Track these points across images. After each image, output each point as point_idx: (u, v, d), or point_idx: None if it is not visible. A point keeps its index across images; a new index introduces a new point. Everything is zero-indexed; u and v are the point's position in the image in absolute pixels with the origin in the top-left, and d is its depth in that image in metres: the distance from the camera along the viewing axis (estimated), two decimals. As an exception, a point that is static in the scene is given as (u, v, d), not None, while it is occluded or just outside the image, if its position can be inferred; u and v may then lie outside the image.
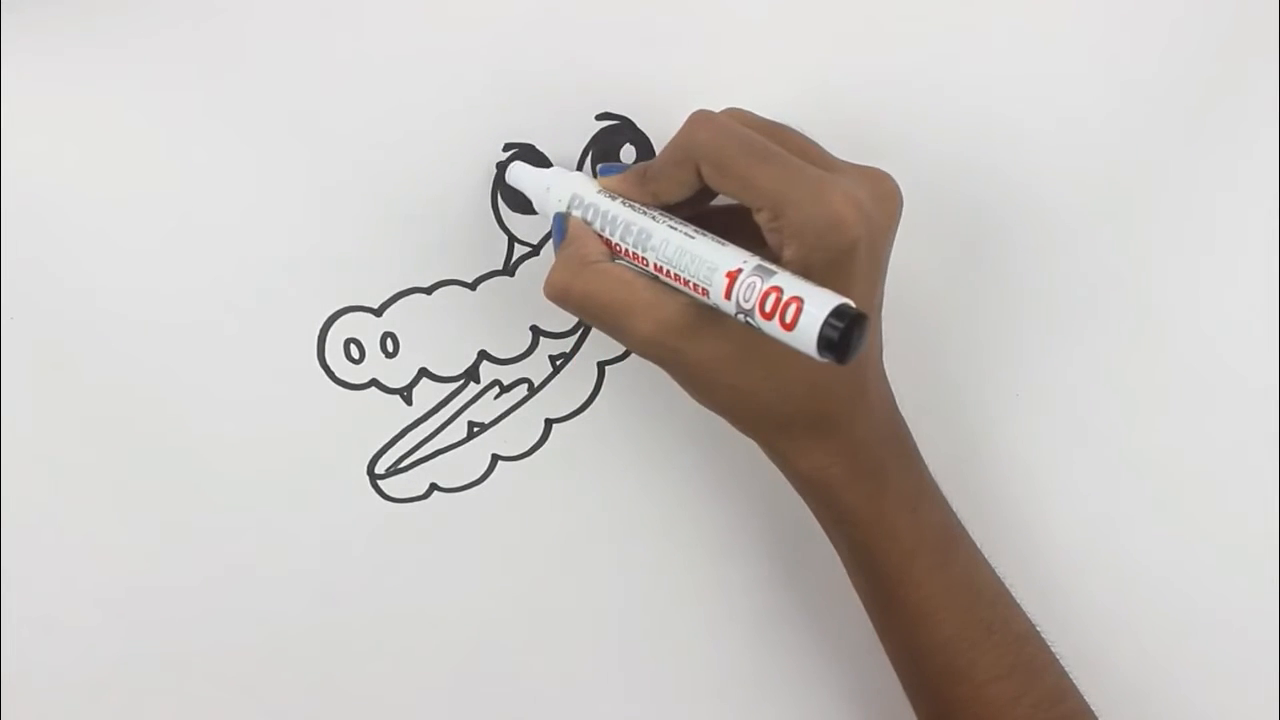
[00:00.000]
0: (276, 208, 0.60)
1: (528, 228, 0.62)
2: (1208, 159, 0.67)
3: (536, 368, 0.65)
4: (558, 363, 0.65)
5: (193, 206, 0.59)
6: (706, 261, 0.51)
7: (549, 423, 0.66)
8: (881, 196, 0.54)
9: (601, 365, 0.65)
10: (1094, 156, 0.66)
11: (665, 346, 0.54)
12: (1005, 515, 0.70)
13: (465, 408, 0.64)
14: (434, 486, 0.65)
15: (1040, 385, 0.69)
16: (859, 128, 0.62)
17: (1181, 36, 0.65)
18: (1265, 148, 0.67)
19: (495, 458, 0.66)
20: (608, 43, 0.61)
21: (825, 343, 0.47)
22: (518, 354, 0.64)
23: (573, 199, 0.57)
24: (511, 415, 0.65)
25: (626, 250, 0.55)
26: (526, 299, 0.61)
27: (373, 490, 0.65)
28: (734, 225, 0.54)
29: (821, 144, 0.57)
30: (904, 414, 0.61)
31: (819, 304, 0.47)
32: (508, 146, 0.61)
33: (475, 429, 0.65)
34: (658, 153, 0.59)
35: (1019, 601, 0.63)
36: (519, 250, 0.63)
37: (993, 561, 0.63)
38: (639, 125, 0.62)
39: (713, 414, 0.58)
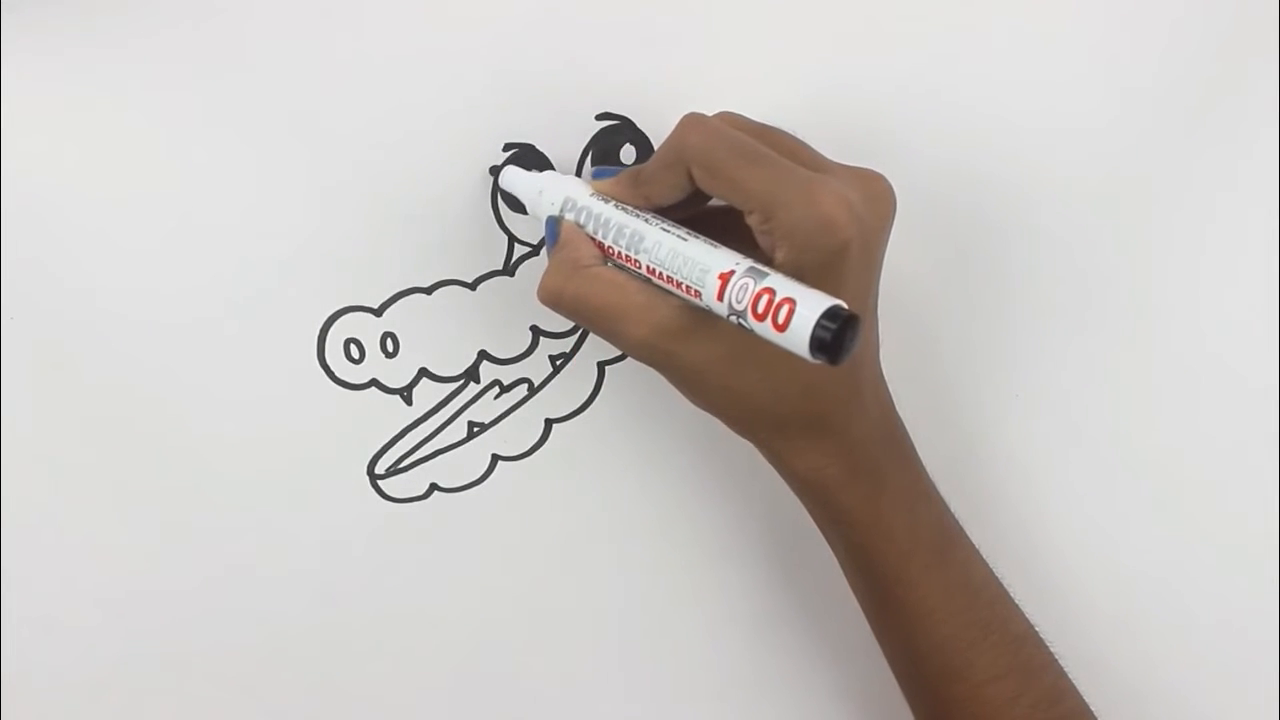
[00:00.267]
0: (276, 208, 0.60)
1: (528, 228, 0.62)
2: (1208, 159, 0.66)
3: (536, 368, 0.65)
4: (558, 363, 0.65)
5: (193, 206, 0.59)
6: (699, 264, 0.51)
7: (549, 423, 0.66)
8: (873, 197, 0.54)
9: (601, 365, 0.65)
10: (1092, 157, 0.66)
11: (659, 349, 0.54)
12: (1003, 516, 0.70)
13: (465, 408, 0.65)
14: (434, 486, 0.65)
15: (1039, 386, 0.69)
16: (858, 129, 0.62)
17: (1181, 37, 0.65)
18: (1265, 148, 0.67)
19: (495, 458, 0.66)
20: (608, 43, 0.61)
21: (817, 344, 0.47)
22: (518, 354, 0.64)
23: (565, 202, 0.57)
24: (511, 415, 0.65)
25: (619, 253, 0.55)
26: (526, 299, 0.61)
27: (373, 490, 0.65)
28: (728, 228, 0.54)
29: (820, 146, 0.57)
30: (902, 415, 0.61)
31: (811, 305, 0.47)
32: (508, 147, 0.61)
33: (475, 429, 0.65)
34: (657, 154, 0.59)
35: (1017, 602, 0.63)
36: (519, 250, 0.63)
37: (991, 562, 0.62)
38: (639, 125, 0.62)
39: (711, 415, 0.58)
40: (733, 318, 0.50)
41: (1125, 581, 0.72)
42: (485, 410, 0.65)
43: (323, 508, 0.64)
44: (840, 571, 0.63)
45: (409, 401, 0.64)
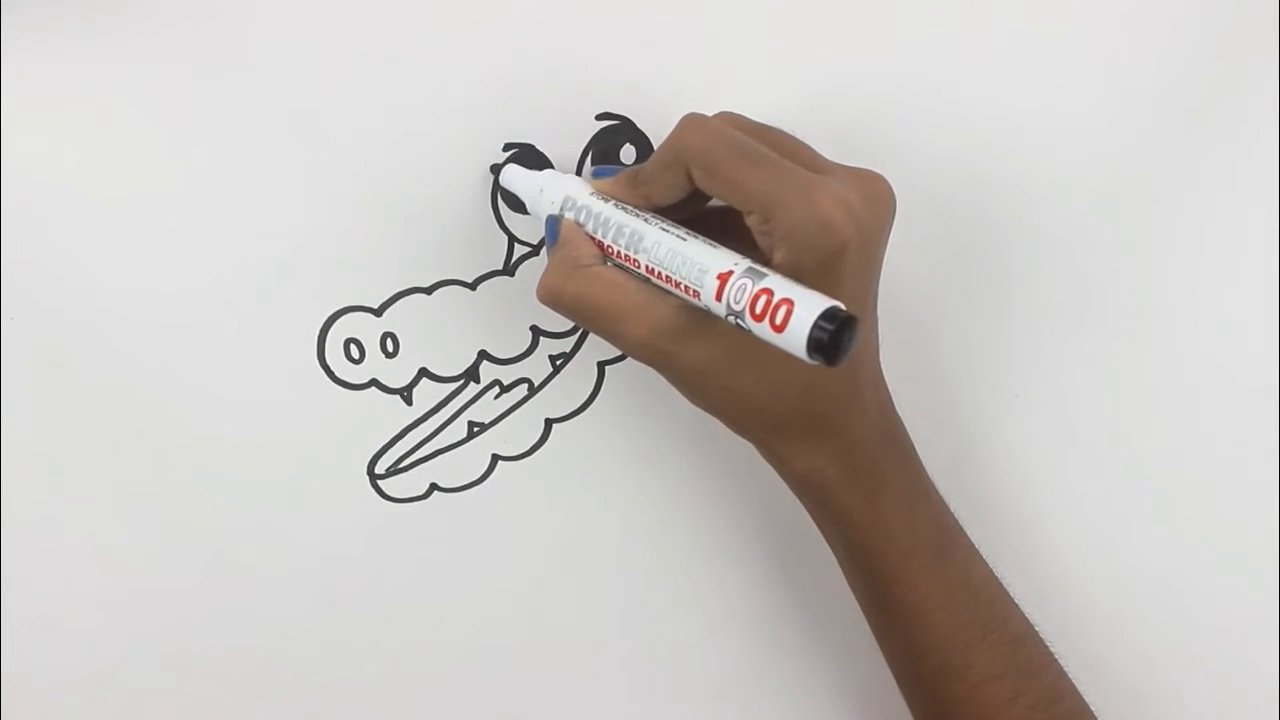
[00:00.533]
0: (276, 208, 0.60)
1: (528, 228, 0.62)
2: (1208, 159, 0.67)
3: (536, 368, 0.65)
4: (558, 363, 0.65)
5: (193, 206, 0.59)
6: (698, 264, 0.51)
7: (549, 423, 0.66)
8: (873, 198, 0.54)
9: (601, 365, 0.65)
10: (1092, 157, 0.66)
11: (657, 349, 0.54)
12: (1003, 516, 0.70)
13: (465, 408, 0.65)
14: (434, 486, 0.65)
15: (1038, 386, 0.69)
16: (858, 129, 0.62)
17: (1181, 37, 0.65)
18: (1265, 148, 0.67)
19: (495, 458, 0.66)
20: (608, 43, 0.61)
21: (815, 345, 0.47)
22: (518, 354, 0.64)
23: (565, 201, 0.57)
24: (511, 415, 0.65)
25: (619, 252, 0.55)
26: (526, 299, 0.61)
27: (373, 490, 0.65)
28: (727, 228, 0.54)
29: (820, 146, 0.57)
30: (902, 415, 0.61)
31: (809, 306, 0.47)
32: (508, 147, 0.61)
33: (475, 429, 0.65)
34: (657, 154, 0.59)
35: (1017, 601, 0.63)
36: (519, 250, 0.63)
37: (991, 562, 0.62)
38: (639, 125, 0.62)
39: (710, 415, 0.58)
40: (731, 318, 0.50)
41: (1125, 581, 0.72)
42: (485, 410, 0.65)
43: (323, 508, 0.64)
44: (840, 571, 0.63)
45: (409, 401, 0.64)
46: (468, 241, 0.62)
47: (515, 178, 0.59)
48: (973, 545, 0.62)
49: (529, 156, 0.61)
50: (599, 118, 0.61)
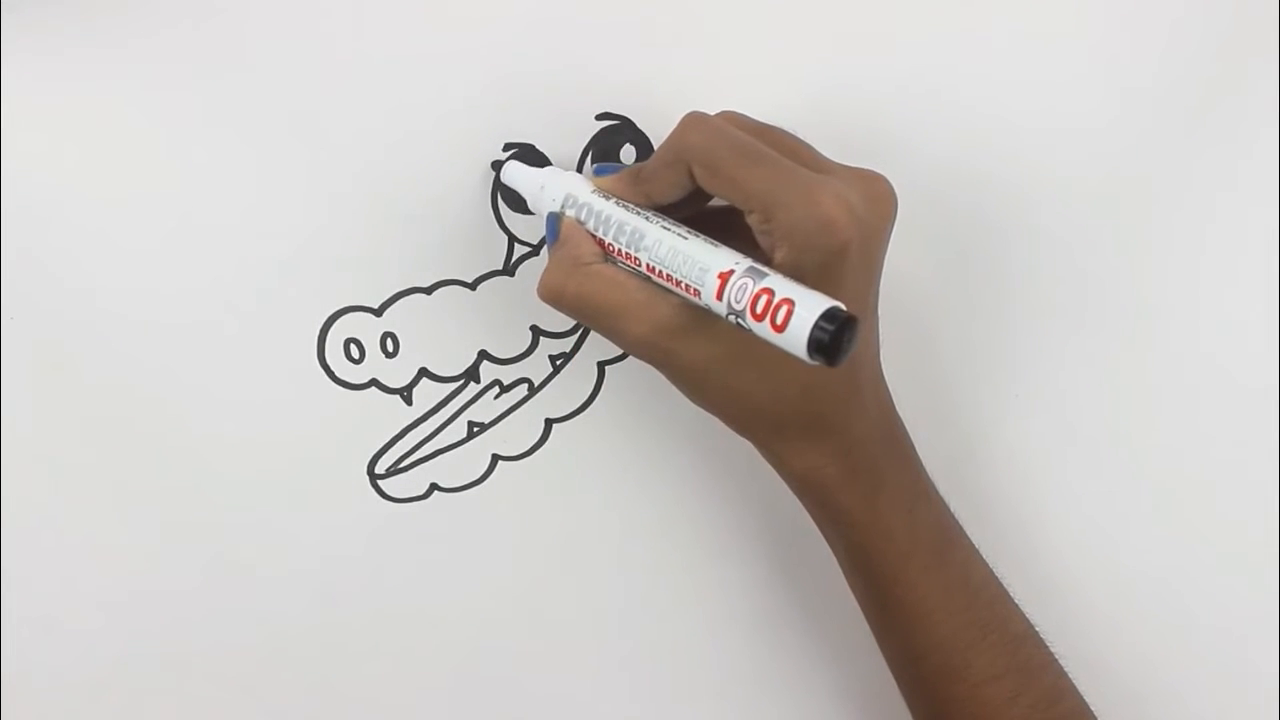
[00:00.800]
0: (276, 208, 0.60)
1: (528, 227, 0.62)
2: (1208, 159, 0.66)
3: (536, 367, 0.65)
4: (558, 362, 0.65)
5: (193, 206, 0.59)
6: (699, 262, 0.51)
7: (549, 423, 0.66)
8: (874, 198, 0.54)
9: (601, 365, 0.65)
10: (1092, 157, 0.66)
11: (658, 348, 0.54)
12: (1003, 516, 0.70)
13: (465, 408, 0.64)
14: (434, 486, 0.65)
15: (1038, 386, 0.69)
16: (858, 129, 0.62)
17: (1181, 37, 0.65)
18: (1265, 148, 0.67)
19: (495, 458, 0.66)
20: (608, 43, 0.61)
21: (815, 345, 0.47)
22: (518, 354, 0.64)
23: (567, 199, 0.57)
24: (511, 415, 0.65)
25: (620, 251, 0.55)
26: (526, 299, 0.61)
27: (373, 490, 0.65)
28: (729, 227, 0.54)
29: (821, 146, 0.57)
30: (902, 415, 0.61)
31: (810, 306, 0.47)
32: (508, 146, 0.61)
33: (475, 429, 0.65)
34: (657, 153, 0.59)
35: (1017, 601, 0.63)
36: (519, 250, 0.63)
37: (991, 562, 0.62)
38: (639, 125, 0.62)
39: (710, 414, 0.58)
40: (731, 317, 0.50)
41: (1124, 581, 0.72)
42: (485, 410, 0.65)
43: (323, 508, 0.64)
44: (840, 571, 0.63)
45: (409, 401, 0.64)
46: (468, 241, 0.62)
47: (516, 174, 0.59)
48: (973, 545, 0.62)
49: (529, 156, 0.61)
50: (599, 118, 0.61)
